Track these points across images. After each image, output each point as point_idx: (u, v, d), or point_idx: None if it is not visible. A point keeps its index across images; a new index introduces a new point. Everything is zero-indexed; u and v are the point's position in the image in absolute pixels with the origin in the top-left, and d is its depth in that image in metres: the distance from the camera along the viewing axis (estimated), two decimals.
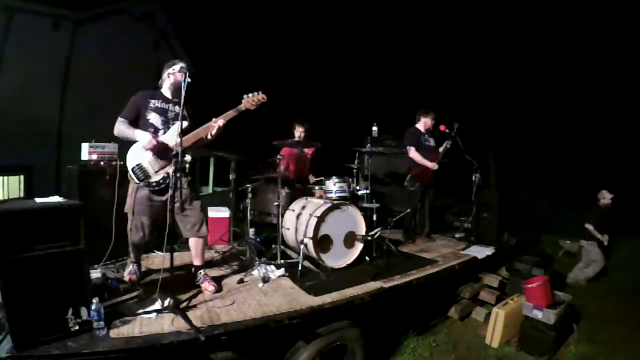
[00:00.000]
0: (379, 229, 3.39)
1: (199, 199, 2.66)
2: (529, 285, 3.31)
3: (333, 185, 3.58)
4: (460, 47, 12.49)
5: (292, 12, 15.44)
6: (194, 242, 2.65)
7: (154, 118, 2.52)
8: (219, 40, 15.14)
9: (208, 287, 2.58)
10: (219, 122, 2.54)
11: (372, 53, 14.89)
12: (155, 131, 2.51)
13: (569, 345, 3.18)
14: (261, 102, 2.60)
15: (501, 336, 3.19)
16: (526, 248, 4.23)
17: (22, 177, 7.91)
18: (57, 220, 1.87)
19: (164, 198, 2.49)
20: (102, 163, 3.20)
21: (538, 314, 3.16)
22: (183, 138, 2.39)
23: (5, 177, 7.71)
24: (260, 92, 2.59)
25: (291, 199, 3.76)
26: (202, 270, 2.69)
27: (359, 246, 3.33)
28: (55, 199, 2.04)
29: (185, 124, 2.49)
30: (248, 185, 3.80)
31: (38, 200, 1.98)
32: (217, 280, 2.76)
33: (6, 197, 7.56)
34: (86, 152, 3.22)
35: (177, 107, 2.57)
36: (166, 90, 2.63)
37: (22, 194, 7.75)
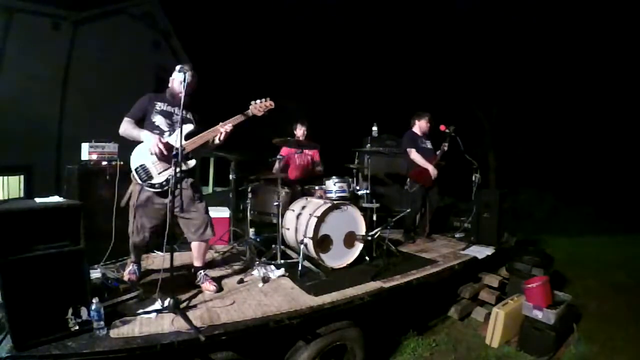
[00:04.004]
0: (379, 229, 3.39)
1: (203, 201, 2.64)
2: (529, 285, 3.30)
3: (333, 185, 3.58)
4: (460, 47, 12.47)
5: (293, 12, 15.44)
6: (196, 245, 2.64)
7: (159, 120, 2.54)
8: (219, 40, 15.14)
9: (209, 287, 2.58)
10: (226, 127, 2.54)
11: (372, 53, 14.88)
12: (161, 133, 2.52)
13: (569, 345, 3.18)
14: (269, 109, 2.62)
15: (501, 336, 3.18)
16: (526, 248, 4.22)
17: (22, 177, 7.92)
18: (57, 220, 1.87)
19: (166, 200, 2.47)
20: (102, 163, 3.20)
21: (538, 314, 3.16)
22: (189, 141, 2.44)
23: (5, 177, 7.72)
24: (268, 99, 2.61)
25: (291, 199, 3.76)
26: (202, 271, 2.68)
27: (359, 246, 3.33)
28: (55, 199, 2.04)
29: (191, 127, 2.53)
30: (248, 185, 3.80)
31: (38, 200, 1.98)
32: (217, 280, 2.75)
33: (6, 197, 7.57)
34: (86, 152, 3.21)
35: (183, 111, 2.58)
36: (171, 95, 2.64)
37: (22, 194, 7.76)
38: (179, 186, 2.29)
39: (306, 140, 4.30)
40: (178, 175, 2.25)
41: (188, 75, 2.39)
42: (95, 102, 8.10)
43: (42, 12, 7.95)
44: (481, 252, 3.91)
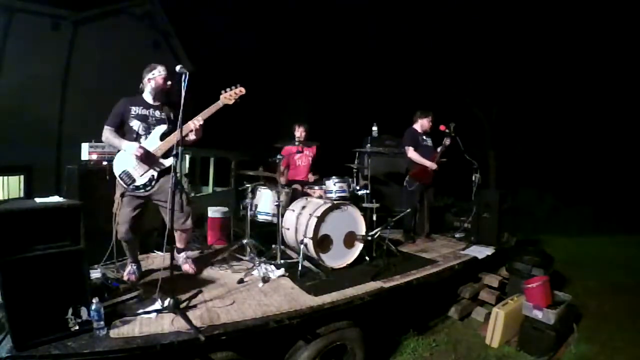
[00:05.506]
0: (379, 229, 3.39)
1: (184, 194, 2.72)
2: (529, 285, 3.30)
3: (333, 185, 3.58)
4: (460, 47, 12.46)
5: (293, 13, 15.43)
6: (178, 234, 2.80)
7: (136, 125, 2.64)
8: (219, 40, 15.14)
9: (188, 269, 2.86)
10: (195, 122, 2.59)
11: (372, 53, 14.88)
12: (138, 137, 2.64)
13: (569, 345, 3.18)
14: (240, 95, 2.67)
15: (501, 336, 3.18)
16: (526, 248, 4.22)
17: (22, 177, 7.92)
18: (57, 220, 1.87)
19: (147, 193, 2.64)
20: (102, 163, 3.20)
21: (538, 314, 3.16)
22: (164, 142, 2.61)
23: (5, 177, 7.72)
24: (238, 86, 2.66)
25: (291, 199, 3.76)
26: (183, 253, 2.87)
27: (359, 246, 3.33)
28: (55, 199, 2.04)
29: (164, 127, 2.67)
30: (248, 185, 3.80)
31: (38, 200, 1.98)
32: (217, 280, 2.77)
33: (6, 197, 7.57)
34: (86, 152, 3.22)
35: (157, 112, 2.70)
36: (147, 95, 2.72)
37: (22, 194, 7.76)
38: (160, 181, 2.60)
39: (305, 140, 4.30)
40: (160, 171, 2.57)
41: (159, 72, 2.65)
42: (95, 102, 8.06)
43: (42, 12, 7.95)
44: (481, 252, 3.91)
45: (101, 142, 3.24)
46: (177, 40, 11.33)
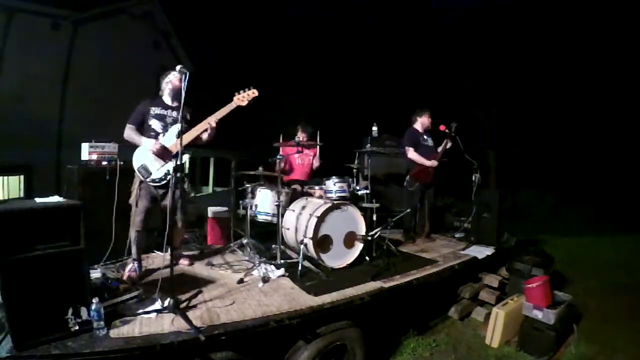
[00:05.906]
0: (379, 229, 3.39)
1: (184, 198, 2.88)
2: (529, 285, 3.30)
3: (333, 185, 3.58)
4: (460, 47, 12.47)
5: (293, 13, 15.43)
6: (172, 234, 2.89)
7: (155, 124, 2.85)
8: (219, 40, 15.14)
9: (184, 262, 3.11)
10: (210, 122, 2.81)
11: (373, 53, 14.87)
12: (156, 135, 2.82)
13: (569, 345, 3.18)
14: (253, 97, 2.84)
15: (501, 336, 3.18)
16: (526, 248, 4.22)
17: (22, 177, 7.92)
18: (57, 220, 1.87)
19: (162, 191, 2.83)
20: (102, 163, 3.20)
21: (538, 314, 3.16)
22: (179, 139, 2.63)
23: (5, 177, 7.72)
24: (251, 88, 2.84)
25: (291, 199, 3.76)
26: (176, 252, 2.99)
27: (359, 246, 3.33)
28: (55, 199, 2.04)
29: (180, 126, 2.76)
30: (248, 186, 3.80)
31: (38, 200, 1.98)
32: (217, 281, 2.77)
33: (6, 197, 7.57)
34: (86, 152, 3.22)
35: (174, 113, 2.89)
36: (167, 98, 2.94)
37: (22, 194, 7.76)
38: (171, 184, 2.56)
39: (306, 140, 4.29)
40: (175, 170, 2.48)
41: (173, 75, 2.82)
42: (95, 102, 8.11)
43: (42, 12, 7.96)
44: (481, 252, 3.91)
45: (101, 142, 3.29)
46: (177, 40, 11.34)
